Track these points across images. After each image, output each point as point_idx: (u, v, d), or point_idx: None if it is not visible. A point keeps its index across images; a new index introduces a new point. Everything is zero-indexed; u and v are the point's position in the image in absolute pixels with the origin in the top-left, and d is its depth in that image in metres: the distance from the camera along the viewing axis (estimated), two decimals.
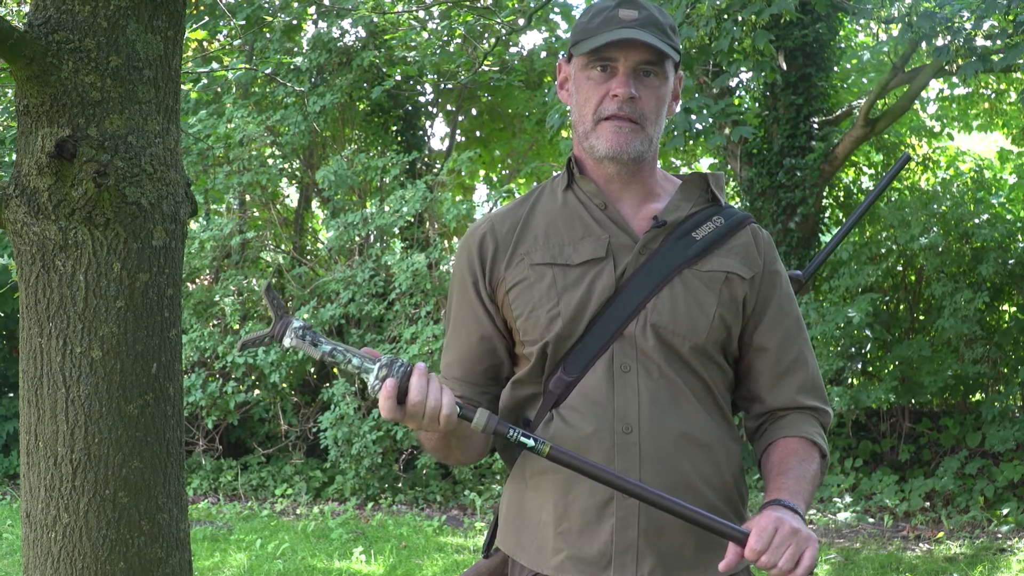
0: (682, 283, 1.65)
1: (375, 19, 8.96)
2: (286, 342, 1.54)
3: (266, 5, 9.21)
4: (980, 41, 6.41)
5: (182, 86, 2.64)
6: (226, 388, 7.97)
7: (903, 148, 9.01)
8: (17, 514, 7.10)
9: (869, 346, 7.58)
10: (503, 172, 10.87)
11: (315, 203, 10.06)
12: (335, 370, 8.29)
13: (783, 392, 1.70)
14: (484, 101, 10.29)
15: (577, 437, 1.62)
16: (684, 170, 9.20)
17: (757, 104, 8.58)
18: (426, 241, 8.34)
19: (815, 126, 8.06)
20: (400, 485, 7.76)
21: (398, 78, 9.29)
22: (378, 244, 8.33)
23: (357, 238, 8.23)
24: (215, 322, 8.36)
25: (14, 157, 3.56)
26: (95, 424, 2.22)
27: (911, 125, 9.38)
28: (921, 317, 7.89)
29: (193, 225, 8.50)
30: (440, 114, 10.23)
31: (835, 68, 8.34)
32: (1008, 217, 7.80)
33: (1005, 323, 7.58)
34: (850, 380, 7.51)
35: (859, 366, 7.58)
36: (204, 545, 6.19)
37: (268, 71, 8.51)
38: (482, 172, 10.97)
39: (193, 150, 8.31)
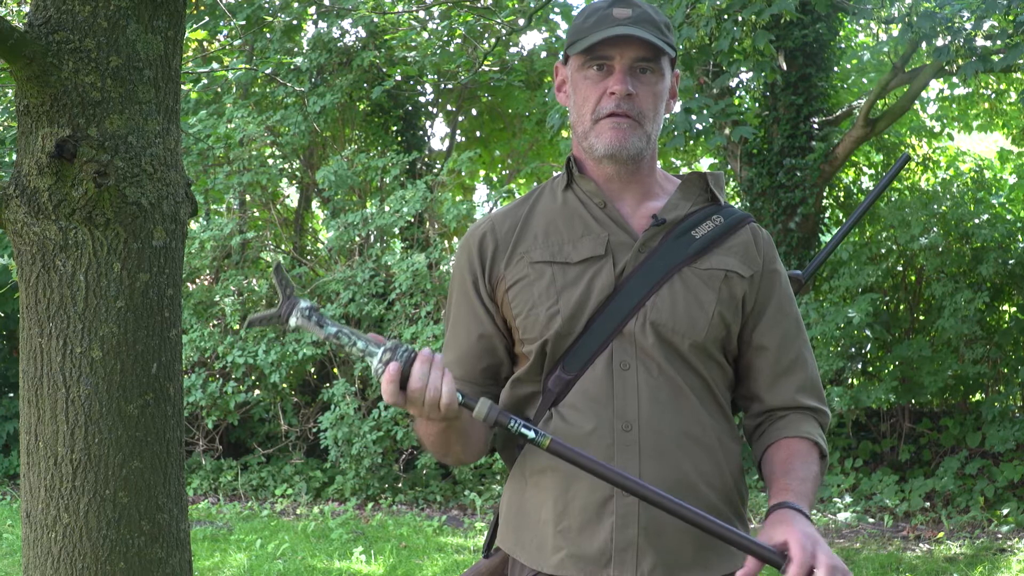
0: (681, 281, 1.65)
1: (375, 19, 8.96)
2: (292, 322, 1.54)
3: (266, 5, 9.21)
4: (980, 41, 6.42)
5: (182, 86, 2.64)
6: (226, 388, 7.97)
7: (903, 148, 9.02)
8: (17, 514, 7.11)
9: (869, 346, 7.58)
10: (503, 172, 10.87)
11: (315, 203, 10.06)
12: (335, 371, 8.29)
13: (782, 392, 1.70)
14: (484, 101, 10.29)
15: (577, 435, 1.62)
16: (684, 170, 9.20)
17: (757, 104, 8.58)
18: (426, 241, 8.34)
19: (815, 126, 8.06)
20: (400, 485, 7.76)
21: (398, 78, 9.29)
22: (378, 244, 8.33)
23: (357, 238, 8.24)
24: (215, 322, 8.36)
25: (14, 157, 3.56)
26: (95, 424, 2.22)
27: (911, 125, 9.38)
28: (921, 317, 7.89)
29: (193, 225, 8.50)
30: (440, 114, 10.24)
31: (835, 68, 8.34)
32: (1008, 217, 7.80)
33: (1005, 323, 7.58)
34: (850, 380, 7.51)
35: (859, 366, 7.58)
36: (204, 545, 6.20)
37: (268, 71, 8.51)
38: (482, 172, 10.98)
39: (193, 150, 8.31)
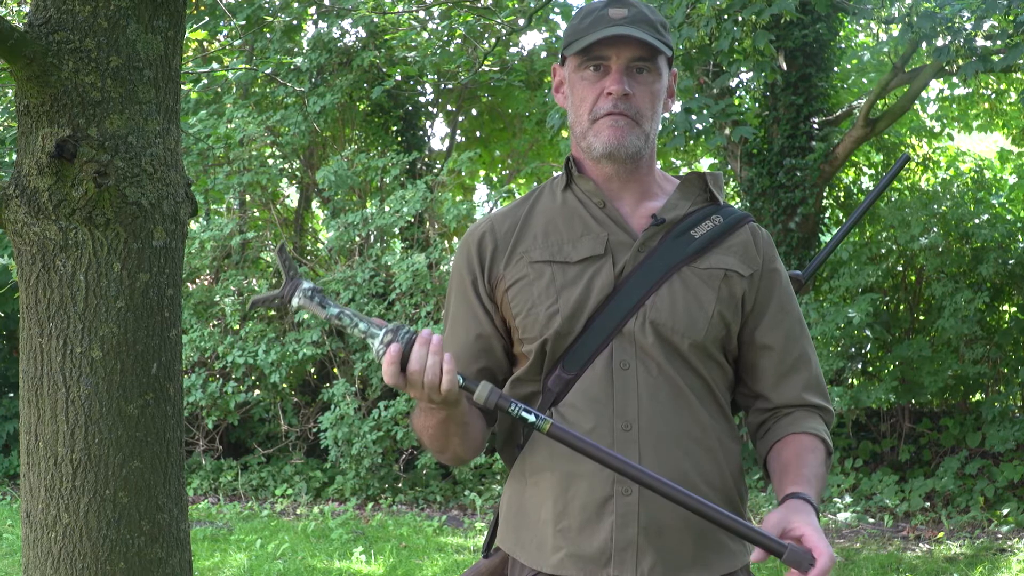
0: (681, 280, 1.66)
1: (375, 19, 8.96)
2: (295, 302, 1.55)
3: (266, 5, 9.21)
4: (980, 41, 6.41)
5: (182, 86, 2.64)
6: (226, 388, 7.97)
7: (903, 148, 9.02)
8: (17, 514, 7.11)
9: (869, 346, 7.58)
10: (503, 172, 10.87)
11: (315, 203, 10.06)
12: (335, 371, 8.29)
13: (789, 389, 1.71)
14: (484, 101, 10.29)
15: None
16: (684, 170, 9.20)
17: (757, 104, 8.58)
18: (426, 241, 8.34)
19: (815, 126, 8.06)
20: (400, 485, 7.76)
21: (398, 78, 9.29)
22: (378, 244, 8.33)
23: (357, 238, 8.24)
24: (215, 322, 8.36)
25: (14, 157, 3.56)
26: (95, 424, 2.22)
27: (911, 125, 9.38)
28: (921, 317, 7.89)
29: (193, 225, 8.51)
30: (440, 114, 10.24)
31: (835, 68, 8.34)
32: (1008, 217, 7.80)
33: (1005, 323, 7.58)
34: (850, 380, 7.51)
35: (859, 366, 7.58)
36: (204, 545, 6.20)
37: (268, 71, 8.51)
38: (482, 172, 10.98)
39: (193, 150, 8.31)
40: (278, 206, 9.69)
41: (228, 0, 8.87)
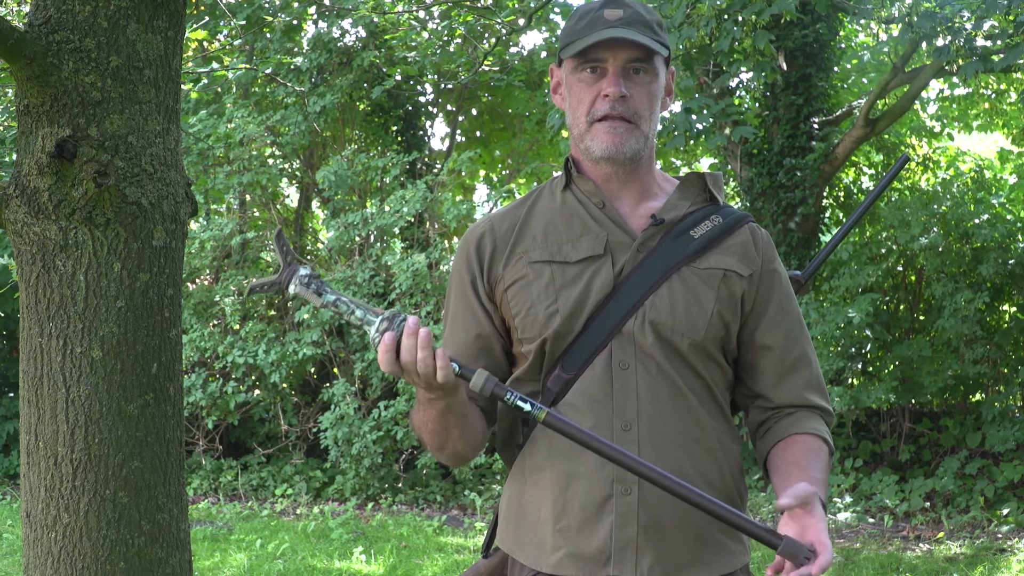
0: (680, 280, 1.66)
1: (375, 19, 8.96)
2: (291, 289, 1.56)
3: (266, 5, 9.21)
4: (980, 41, 6.41)
5: (182, 86, 2.64)
6: (226, 388, 7.97)
7: (903, 148, 9.01)
8: (17, 514, 7.11)
9: (869, 346, 7.58)
10: (503, 172, 10.87)
11: (315, 203, 10.06)
12: (335, 370, 8.29)
13: (790, 390, 1.71)
14: (484, 101, 10.29)
15: None
16: (684, 170, 9.21)
17: (757, 104, 8.58)
18: (426, 241, 8.34)
19: (815, 126, 8.06)
20: (400, 485, 7.77)
21: (398, 78, 9.29)
22: (378, 244, 8.33)
23: (357, 238, 8.24)
24: (215, 322, 8.36)
25: (14, 157, 3.56)
26: (95, 424, 2.22)
27: (911, 125, 9.38)
28: (921, 317, 7.89)
29: (193, 225, 8.51)
30: (440, 114, 10.24)
31: (835, 68, 8.34)
32: (1008, 217, 7.80)
33: (1005, 323, 7.58)
34: (850, 380, 7.51)
35: (859, 366, 7.58)
36: (204, 545, 6.20)
37: (268, 71, 8.51)
38: (482, 172, 10.97)
39: (193, 150, 8.31)
40: (278, 206, 9.69)
41: (228, 0, 8.87)
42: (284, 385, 8.27)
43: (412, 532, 6.66)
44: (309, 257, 9.63)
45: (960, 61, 6.43)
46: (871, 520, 6.71)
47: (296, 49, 9.35)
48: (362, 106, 9.47)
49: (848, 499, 7.00)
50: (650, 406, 1.62)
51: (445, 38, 9.63)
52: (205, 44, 9.77)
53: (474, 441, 1.69)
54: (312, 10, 9.23)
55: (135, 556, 2.27)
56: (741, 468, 1.72)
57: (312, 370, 8.67)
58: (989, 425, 6.99)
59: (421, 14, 9.47)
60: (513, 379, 1.72)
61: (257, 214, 9.72)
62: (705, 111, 6.53)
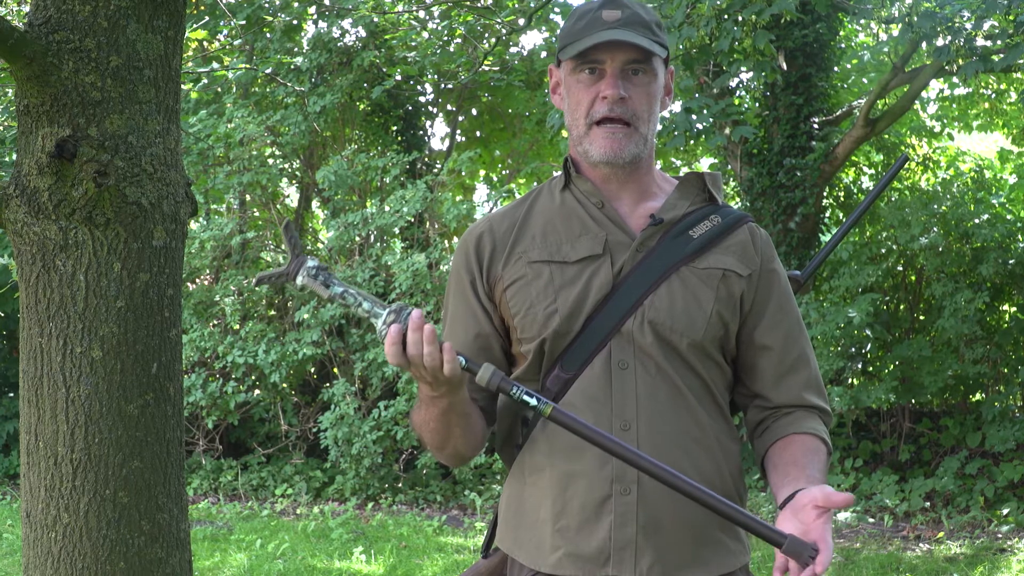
0: (680, 280, 1.66)
1: (375, 19, 8.96)
2: (299, 280, 1.56)
3: (266, 5, 9.21)
4: (980, 41, 6.41)
5: (182, 86, 2.64)
6: (226, 388, 7.97)
7: (903, 148, 9.02)
8: (17, 514, 7.11)
9: (869, 346, 7.58)
10: (503, 172, 10.87)
11: (315, 203, 10.06)
12: (335, 370, 8.30)
13: (789, 389, 1.71)
14: (484, 101, 10.29)
15: None
16: (684, 170, 9.20)
17: (757, 104, 8.58)
18: (426, 241, 8.34)
19: (815, 126, 8.06)
20: (400, 485, 7.77)
21: (398, 78, 9.29)
22: (378, 244, 8.33)
23: (357, 238, 8.24)
24: (215, 322, 8.36)
25: (14, 157, 3.56)
26: (95, 424, 2.22)
27: (911, 125, 9.38)
28: (921, 317, 7.89)
29: (193, 225, 8.51)
30: (440, 114, 10.24)
31: (835, 68, 8.34)
32: (1008, 217, 7.80)
33: (1005, 323, 7.58)
34: (850, 380, 7.51)
35: (859, 366, 7.58)
36: (204, 545, 6.20)
37: (268, 71, 8.51)
38: (482, 172, 10.98)
39: (193, 150, 8.31)
40: (278, 206, 9.69)
41: (228, 0, 8.87)
42: (284, 385, 8.27)
43: (412, 532, 6.66)
44: (302, 251, 9.62)
45: (960, 61, 6.43)
46: (871, 520, 6.71)
47: (296, 49, 9.35)
48: (362, 106, 9.47)
49: None
50: (649, 406, 1.62)
51: (445, 38, 9.63)
52: (205, 44, 9.77)
53: (475, 441, 1.69)
54: (312, 10, 9.23)
55: (135, 556, 2.27)
56: (741, 468, 1.72)
57: (312, 370, 8.67)
58: (989, 425, 6.99)
59: (421, 14, 9.47)
60: (513, 379, 1.72)
61: (257, 214, 9.72)
62: (705, 111, 6.53)
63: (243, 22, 8.82)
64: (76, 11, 2.17)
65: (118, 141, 2.19)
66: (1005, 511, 6.44)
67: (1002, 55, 6.10)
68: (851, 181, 9.00)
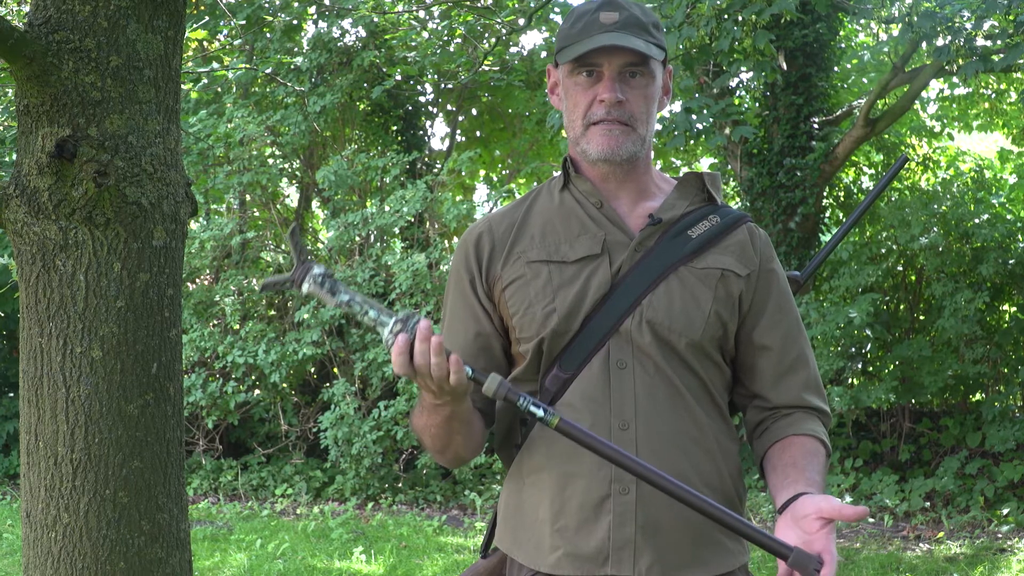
0: (678, 280, 1.66)
1: (375, 19, 8.96)
2: (304, 288, 1.54)
3: (266, 5, 9.21)
4: (980, 41, 6.41)
5: (182, 86, 2.64)
6: (226, 388, 7.97)
7: (903, 148, 9.02)
8: (17, 514, 7.11)
9: (869, 346, 7.58)
10: (503, 172, 10.87)
11: (315, 203, 10.06)
12: (335, 370, 8.29)
13: (788, 390, 1.70)
14: (484, 101, 10.29)
15: None
16: (684, 170, 9.20)
17: (757, 104, 8.58)
18: (426, 241, 8.34)
19: (815, 126, 8.06)
20: (400, 485, 7.77)
21: (398, 78, 9.29)
22: (378, 244, 8.33)
23: (357, 238, 8.24)
24: (215, 322, 8.36)
25: (14, 157, 3.56)
26: (95, 424, 2.22)
27: (911, 125, 9.38)
28: (921, 317, 7.89)
29: (193, 225, 8.51)
30: (440, 114, 10.24)
31: (835, 68, 8.34)
32: (1008, 217, 7.80)
33: (1005, 323, 7.58)
34: (850, 380, 7.51)
35: (859, 366, 7.58)
36: (204, 545, 6.20)
37: (268, 71, 8.51)
38: (482, 172, 10.98)
39: (193, 150, 8.31)
40: (278, 206, 9.69)
41: (228, 0, 8.87)
42: (284, 385, 8.27)
43: (412, 532, 6.66)
44: (309, 257, 9.62)
45: (960, 61, 6.43)
46: (871, 520, 6.71)
47: (296, 49, 9.35)
48: (362, 106, 9.48)
49: (848, 499, 7.00)
50: (648, 406, 1.62)
51: (445, 38, 9.63)
52: (205, 44, 9.77)
53: (475, 443, 1.69)
54: (312, 10, 9.23)
55: (135, 556, 2.27)
56: (740, 468, 1.71)
57: (312, 370, 8.67)
58: (989, 425, 6.99)
59: (421, 14, 9.47)
60: (512, 379, 1.72)
61: (257, 214, 9.72)
62: (705, 111, 6.53)
63: (243, 22, 8.82)
64: (76, 11, 2.17)
65: (118, 141, 2.19)
66: (1005, 511, 6.44)
67: (1002, 55, 6.10)
68: (851, 181, 9.00)
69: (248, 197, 9.30)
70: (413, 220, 8.17)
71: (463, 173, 9.05)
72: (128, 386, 2.25)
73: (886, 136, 8.66)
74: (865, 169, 9.18)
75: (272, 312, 8.77)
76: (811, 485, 1.56)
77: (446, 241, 8.43)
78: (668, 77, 1.73)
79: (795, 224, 7.87)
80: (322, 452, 8.12)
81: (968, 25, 6.25)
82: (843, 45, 8.79)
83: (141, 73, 2.23)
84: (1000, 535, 6.16)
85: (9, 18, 5.08)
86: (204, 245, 8.33)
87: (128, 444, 2.25)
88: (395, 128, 9.49)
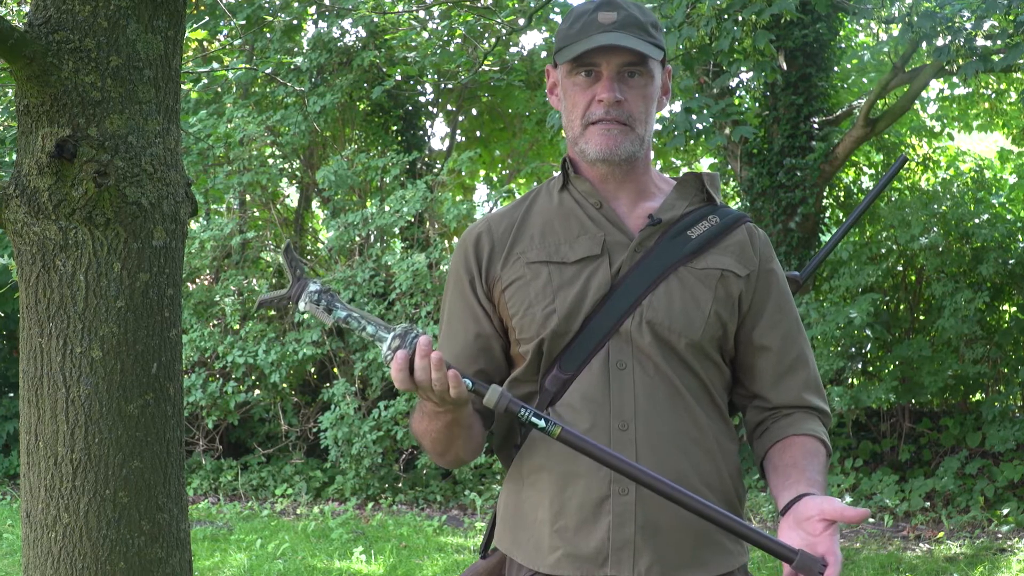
0: (678, 280, 1.66)
1: (375, 19, 8.96)
2: (301, 306, 1.53)
3: (266, 5, 9.21)
4: (980, 41, 6.41)
5: (182, 86, 2.64)
6: (226, 388, 7.97)
7: (903, 148, 9.02)
8: (17, 514, 7.11)
9: (869, 346, 7.58)
10: (503, 172, 10.87)
11: (315, 203, 10.06)
12: (335, 370, 8.29)
13: (788, 390, 1.70)
14: (484, 101, 10.29)
15: None
16: (684, 170, 9.20)
17: (757, 104, 8.58)
18: (426, 241, 8.34)
19: (815, 126, 8.06)
20: (400, 485, 7.77)
21: (398, 78, 9.29)
22: (378, 244, 8.33)
23: (357, 238, 8.24)
24: (215, 322, 8.36)
25: (14, 157, 3.56)
26: (95, 424, 2.22)
27: (911, 125, 9.38)
28: (921, 317, 7.89)
29: (193, 225, 8.51)
30: (440, 114, 10.24)
31: (835, 68, 8.34)
32: (1008, 217, 7.80)
33: (1005, 323, 7.58)
34: (850, 380, 7.51)
35: (859, 366, 7.58)
36: (204, 545, 6.20)
37: (268, 71, 8.51)
38: (482, 172, 10.98)
39: (193, 150, 8.31)
40: (278, 206, 9.70)
41: (228, 0, 8.87)
42: (284, 385, 8.27)
43: (412, 532, 6.66)
44: (309, 257, 9.64)
45: (960, 61, 6.43)
46: (871, 520, 6.71)
47: (296, 49, 9.35)
48: (362, 106, 9.48)
49: (848, 499, 7.00)
50: (647, 406, 1.62)
51: (445, 38, 9.63)
52: (205, 44, 9.77)
53: (475, 445, 1.69)
54: (312, 10, 9.23)
55: (135, 556, 2.27)
56: (739, 469, 1.71)
57: (312, 370, 8.67)
58: (989, 425, 6.99)
59: (421, 14, 9.47)
60: (511, 379, 1.72)
61: (257, 214, 9.72)
62: (705, 111, 6.53)
63: (243, 22, 8.82)
64: (76, 11, 2.17)
65: (118, 141, 2.19)
66: (1005, 511, 6.44)
67: (1002, 55, 6.10)
68: (851, 181, 9.00)
69: (248, 197, 9.30)
70: (413, 220, 8.17)
71: (463, 173, 9.06)
72: (128, 386, 2.25)
73: (886, 136, 8.66)
74: (865, 169, 9.18)
75: (272, 312, 8.76)
76: (812, 486, 1.56)
77: (446, 241, 8.43)
78: (667, 77, 1.73)
79: (795, 224, 7.87)
80: (322, 452, 8.12)
81: (968, 25, 6.25)
82: (843, 45, 8.79)
83: (141, 73, 2.23)
84: (1000, 535, 6.16)
85: (9, 18, 5.08)
86: (204, 245, 8.33)
87: (128, 444, 2.25)
88: (395, 128, 9.49)
